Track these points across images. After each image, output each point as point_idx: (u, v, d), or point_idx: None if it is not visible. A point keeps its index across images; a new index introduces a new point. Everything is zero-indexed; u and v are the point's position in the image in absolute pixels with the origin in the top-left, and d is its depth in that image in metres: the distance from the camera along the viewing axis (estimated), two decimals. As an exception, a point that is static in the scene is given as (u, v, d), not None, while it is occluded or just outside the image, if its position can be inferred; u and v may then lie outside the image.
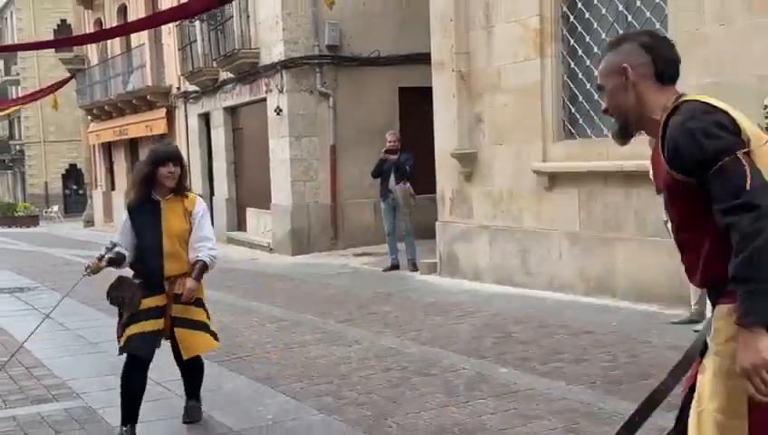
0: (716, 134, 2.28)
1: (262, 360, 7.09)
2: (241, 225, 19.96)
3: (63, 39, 21.49)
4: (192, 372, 5.19)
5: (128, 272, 5.05)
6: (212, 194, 20.90)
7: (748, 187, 2.23)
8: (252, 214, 19.15)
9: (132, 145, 28.26)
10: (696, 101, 2.42)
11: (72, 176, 47.41)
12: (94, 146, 32.53)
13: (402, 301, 9.80)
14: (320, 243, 15.49)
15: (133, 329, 4.78)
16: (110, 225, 30.13)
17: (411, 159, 12.26)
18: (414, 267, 12.28)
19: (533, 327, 7.76)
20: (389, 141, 12.56)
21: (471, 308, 8.98)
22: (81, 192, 43.79)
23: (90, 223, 32.56)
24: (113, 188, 30.66)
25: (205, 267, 4.93)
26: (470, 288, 10.28)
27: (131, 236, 4.90)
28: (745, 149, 2.30)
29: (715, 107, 2.37)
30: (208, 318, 5.11)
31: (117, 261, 4.85)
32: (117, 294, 4.83)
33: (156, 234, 4.84)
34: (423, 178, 12.41)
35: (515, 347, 7.01)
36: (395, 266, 12.46)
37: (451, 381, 5.98)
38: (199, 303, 5.03)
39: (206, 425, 5.28)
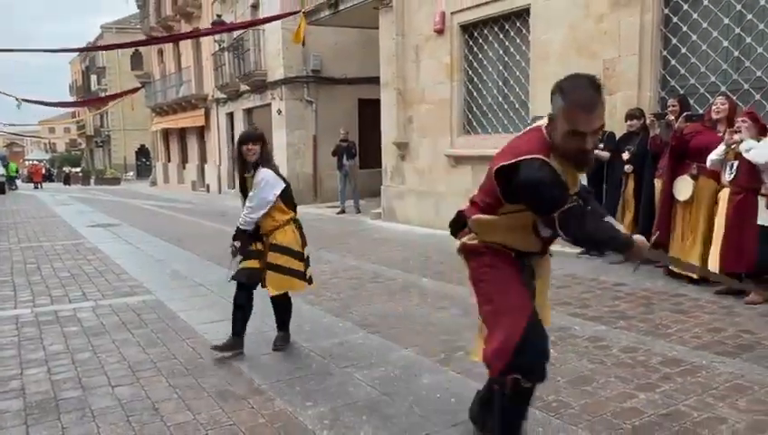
0: None
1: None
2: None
3: (136, 42, 19.95)
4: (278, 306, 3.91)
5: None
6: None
7: None
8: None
9: (181, 132, 26.58)
10: None
11: (142, 152, 45.88)
12: (156, 132, 30.31)
13: (359, 236, 9.33)
14: (306, 199, 14.75)
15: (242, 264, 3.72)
16: (165, 185, 28.76)
17: (354, 146, 12.45)
18: (358, 211, 12.18)
19: (445, 253, 7.24)
20: (342, 134, 12.54)
21: (403, 241, 8.57)
22: (147, 163, 42.17)
23: (153, 184, 30.81)
24: (169, 161, 29.05)
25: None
26: (403, 229, 9.81)
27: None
28: None
29: None
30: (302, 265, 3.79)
31: None
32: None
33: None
34: (372, 158, 11.94)
35: (434, 266, 6.61)
36: (342, 211, 12.27)
37: (390, 287, 5.63)
38: (286, 251, 3.72)
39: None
